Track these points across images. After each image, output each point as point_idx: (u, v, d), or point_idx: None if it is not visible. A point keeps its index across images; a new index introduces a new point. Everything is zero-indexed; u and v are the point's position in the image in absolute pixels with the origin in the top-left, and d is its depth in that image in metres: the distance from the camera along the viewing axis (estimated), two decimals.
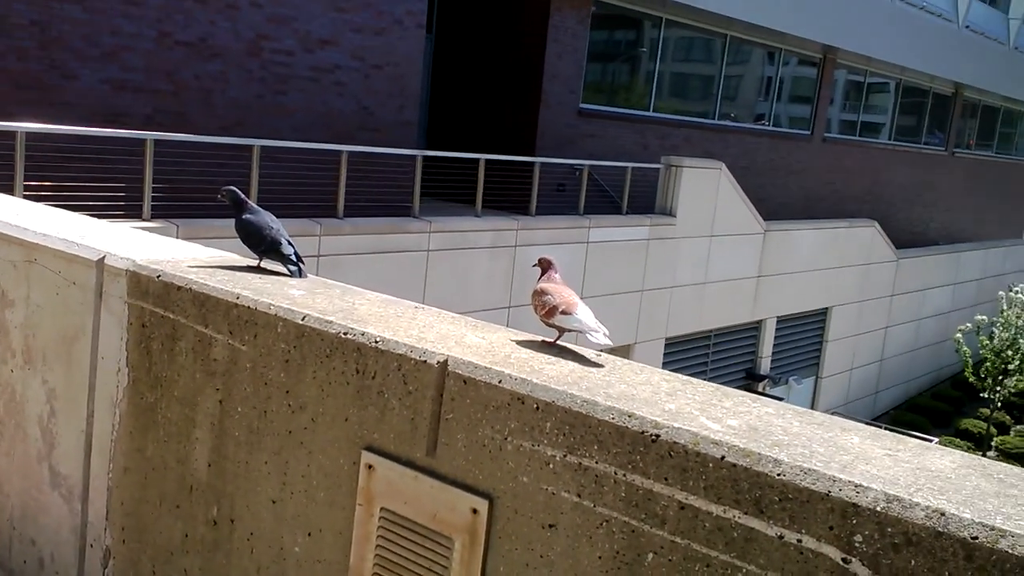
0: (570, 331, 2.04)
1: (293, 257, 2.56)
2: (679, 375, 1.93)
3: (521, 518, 1.73)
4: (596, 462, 1.64)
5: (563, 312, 2.02)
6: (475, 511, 1.79)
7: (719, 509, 1.48)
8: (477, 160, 11.70)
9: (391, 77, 11.89)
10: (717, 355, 16.49)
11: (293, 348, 2.13)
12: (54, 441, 2.67)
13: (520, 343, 2.04)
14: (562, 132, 14.94)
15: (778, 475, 1.43)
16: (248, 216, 2.62)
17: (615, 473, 1.62)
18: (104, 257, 2.54)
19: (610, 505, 1.62)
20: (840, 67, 21.84)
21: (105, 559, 2.50)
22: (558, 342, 2.06)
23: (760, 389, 17.00)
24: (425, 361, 1.91)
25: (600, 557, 1.62)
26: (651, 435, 1.58)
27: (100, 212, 7.76)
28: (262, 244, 2.57)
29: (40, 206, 3.31)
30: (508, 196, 12.36)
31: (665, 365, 14.66)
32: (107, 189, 8.29)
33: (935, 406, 22.40)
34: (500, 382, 1.79)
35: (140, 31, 9.47)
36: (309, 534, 2.06)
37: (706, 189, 14.96)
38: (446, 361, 1.89)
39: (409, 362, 1.93)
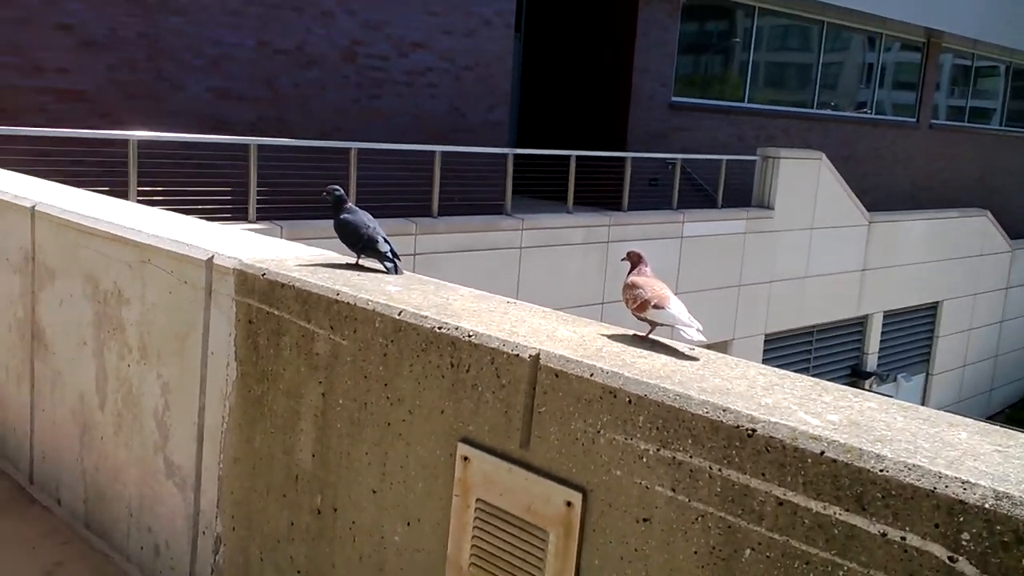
0: (663, 325, 2.02)
1: (389, 254, 2.62)
2: (776, 369, 1.89)
3: (615, 511, 1.73)
4: (690, 456, 1.63)
5: (655, 306, 2.00)
6: (569, 504, 1.80)
7: (819, 506, 1.45)
8: (568, 157, 11.69)
9: (481, 77, 12.01)
10: (820, 351, 16.01)
11: (390, 342, 2.19)
12: (168, 433, 2.82)
13: (611, 337, 2.04)
14: (653, 126, 14.77)
15: (881, 471, 1.39)
16: (346, 216, 2.70)
17: (710, 468, 1.61)
18: (213, 257, 2.66)
19: (705, 500, 1.61)
20: (946, 51, 20.87)
21: (216, 546, 2.62)
22: (650, 336, 2.05)
23: (867, 386, 16.43)
24: (517, 355, 1.93)
25: (696, 552, 1.61)
26: (747, 429, 1.56)
27: (208, 215, 8.11)
28: (359, 242, 2.65)
29: (152, 209, 3.49)
30: (599, 192, 12.31)
31: (765, 362, 14.32)
32: (214, 193, 8.65)
33: None
34: (592, 375, 1.80)
35: (241, 41, 9.84)
36: (408, 524, 2.12)
37: (805, 180, 14.54)
38: (538, 355, 1.91)
39: (502, 356, 1.96)
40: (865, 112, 19.37)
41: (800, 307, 15.02)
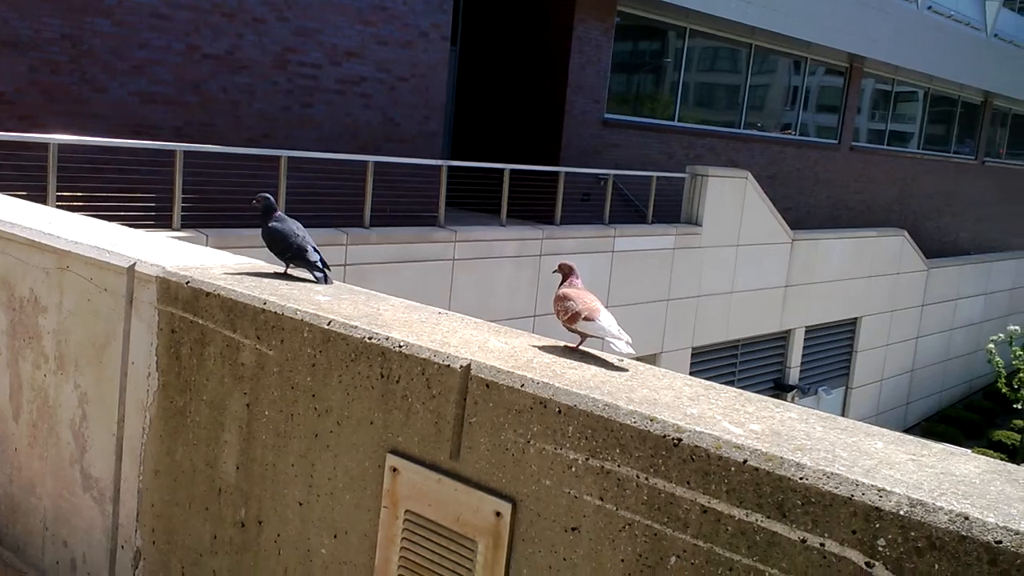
0: (592, 337, 2.05)
1: (319, 264, 2.60)
2: (702, 380, 1.93)
3: (544, 521, 1.74)
4: (619, 465, 1.65)
5: (586, 318, 2.02)
6: (498, 514, 1.80)
7: (741, 513, 1.49)
8: (502, 170, 11.74)
9: (416, 89, 11.98)
10: (745, 365, 16.37)
11: (319, 352, 2.16)
12: (86, 444, 2.72)
13: (542, 348, 2.06)
14: (586, 142, 14.95)
15: (801, 479, 1.43)
16: (275, 224, 2.66)
17: (637, 476, 1.63)
18: (135, 264, 2.59)
19: (632, 508, 1.63)
20: (867, 76, 21.68)
21: (136, 560, 2.54)
22: (580, 348, 2.07)
23: (789, 399, 16.85)
24: (448, 365, 1.93)
25: (623, 560, 1.63)
26: (673, 439, 1.59)
27: (131, 223, 7.89)
28: (288, 251, 2.61)
29: (72, 215, 3.38)
30: (533, 206, 12.39)
31: (692, 375, 14.52)
32: (137, 200, 8.42)
33: (968, 417, 22.06)
34: (522, 386, 1.81)
35: (169, 44, 9.62)
36: (335, 536, 2.09)
37: (732, 198, 14.89)
38: (469, 365, 1.91)
39: (433, 366, 1.95)
40: (790, 133, 19.96)
41: (726, 322, 15.35)
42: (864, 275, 18.80)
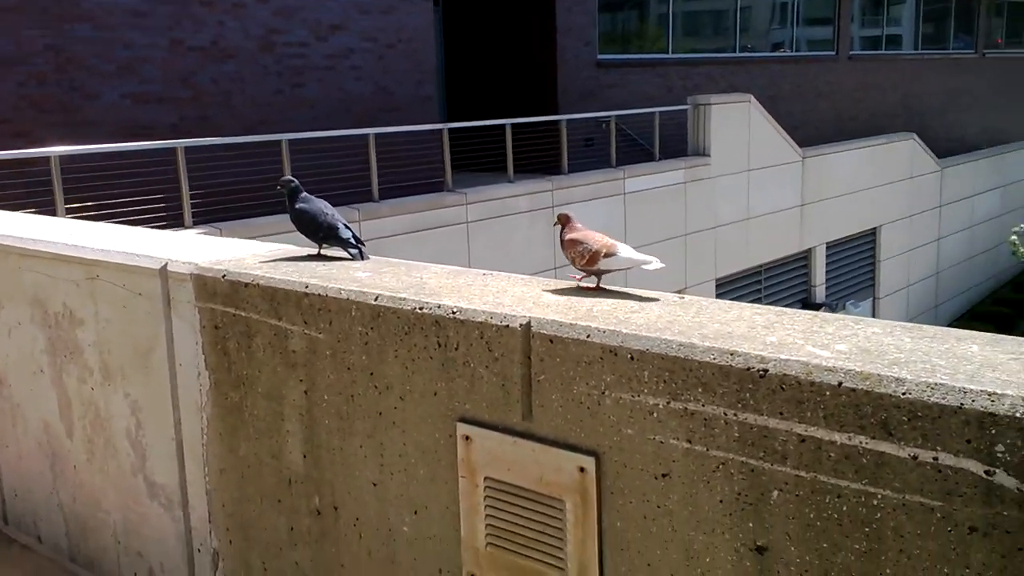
0: (620, 270, 2.00)
1: (352, 240, 2.53)
2: (772, 307, 1.86)
3: (631, 471, 1.69)
4: (703, 405, 1.60)
5: (607, 255, 1.99)
6: (582, 469, 1.76)
7: (843, 437, 1.43)
8: (503, 126, 11.58)
9: (405, 54, 11.79)
10: (770, 289, 16.28)
11: (371, 330, 2.11)
12: (145, 452, 2.70)
13: (597, 295, 1.99)
14: (582, 86, 14.72)
15: (903, 394, 1.37)
16: (302, 205, 2.60)
17: (725, 414, 1.57)
18: (166, 264, 2.53)
19: (724, 447, 1.57)
20: None
21: (215, 561, 2.52)
22: (601, 286, 2.02)
23: None
24: (507, 326, 1.87)
25: (721, 501, 1.58)
26: (758, 370, 1.53)
27: (142, 225, 7.84)
28: (320, 231, 2.55)
29: (93, 224, 3.33)
30: (537, 158, 12.24)
31: None
32: (145, 202, 8.36)
33: (998, 311, 21.94)
34: (588, 337, 1.75)
35: (152, 41, 9.49)
36: (415, 512, 2.05)
37: (737, 124, 14.67)
38: (529, 323, 1.85)
39: (491, 328, 1.90)
40: (784, 51, 19.59)
41: (746, 249, 15.23)
42: (878, 184, 18.56)
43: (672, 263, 13.81)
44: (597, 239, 2.02)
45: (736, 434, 1.56)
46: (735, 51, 18.12)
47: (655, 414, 1.66)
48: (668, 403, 1.64)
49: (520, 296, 2.03)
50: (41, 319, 2.94)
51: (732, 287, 15.35)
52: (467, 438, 1.95)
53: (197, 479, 2.55)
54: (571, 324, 1.79)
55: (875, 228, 18.96)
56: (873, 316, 19.01)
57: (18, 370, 3.10)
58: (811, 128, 19.25)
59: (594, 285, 2.04)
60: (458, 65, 15.24)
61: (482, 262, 10.78)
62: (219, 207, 8.70)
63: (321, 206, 2.58)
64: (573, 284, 2.07)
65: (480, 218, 10.98)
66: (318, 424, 2.26)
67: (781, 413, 1.50)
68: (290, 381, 2.30)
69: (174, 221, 8.41)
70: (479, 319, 1.92)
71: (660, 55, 16.50)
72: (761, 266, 15.89)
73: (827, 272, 17.53)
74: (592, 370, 1.74)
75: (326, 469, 2.24)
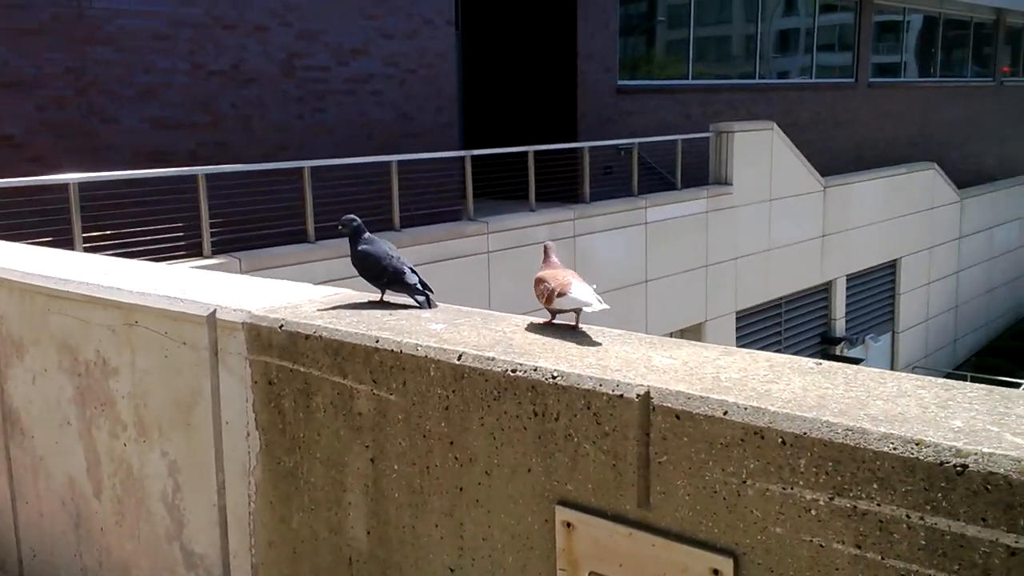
0: (570, 311, 2.01)
1: (419, 286, 2.29)
2: (932, 378, 1.61)
3: None
4: (878, 504, 1.34)
5: (559, 294, 2.00)
6: (716, 572, 1.50)
7: None
8: (525, 153, 11.38)
9: (426, 79, 11.64)
10: (790, 323, 15.99)
11: (452, 393, 1.86)
12: (183, 518, 2.44)
13: (714, 357, 1.74)
14: (602, 113, 14.55)
15: None
16: (364, 247, 2.36)
17: (907, 516, 1.31)
18: (215, 311, 2.29)
19: (905, 556, 1.31)
20: (878, 9, 21.08)
21: None
22: (554, 322, 2.05)
23: (837, 351, 16.48)
24: (621, 395, 1.62)
25: None
26: (954, 466, 1.27)
27: (161, 255, 7.63)
28: (383, 276, 2.31)
29: (131, 262, 3.09)
30: (557, 186, 12.03)
31: (738, 340, 14.24)
32: (164, 231, 8.15)
33: (1017, 346, 21.60)
34: (726, 413, 1.50)
35: (173, 65, 9.33)
36: None
37: (760, 152, 14.47)
38: (647, 393, 1.60)
39: (600, 398, 1.64)
40: (805, 78, 19.45)
41: (766, 280, 14.97)
42: (899, 214, 18.32)
43: (693, 295, 13.55)
44: (559, 278, 2.04)
45: (922, 541, 1.30)
46: (754, 78, 17.98)
47: (813, 511, 1.40)
48: (831, 499, 1.38)
49: (625, 357, 1.78)
50: (70, 366, 2.69)
51: (752, 320, 15.07)
52: (568, 524, 1.70)
53: (242, 551, 2.29)
54: (702, 397, 1.54)
55: (895, 260, 18.69)
56: (893, 351, 18.73)
57: (42, 421, 2.85)
58: (829, 157, 19.04)
59: (548, 320, 2.06)
60: (476, 90, 15.10)
61: (503, 292, 10.54)
62: (239, 235, 8.48)
63: (385, 248, 2.35)
64: (537, 320, 2.10)
65: (501, 247, 10.75)
66: (386, 497, 2.00)
67: (984, 519, 1.25)
68: (354, 447, 2.05)
69: (194, 250, 8.19)
70: (585, 386, 1.67)
71: (679, 81, 16.35)
72: (781, 298, 15.62)
73: (847, 305, 17.25)
74: (730, 454, 1.48)
75: (394, 549, 1.98)
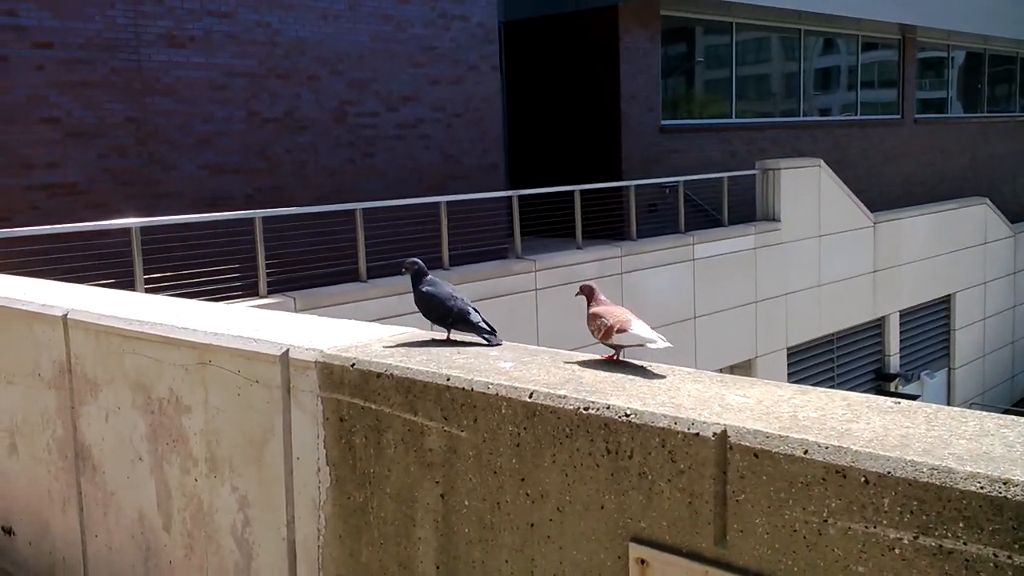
0: (631, 347, 2.05)
1: (484, 324, 2.34)
2: (1009, 417, 1.59)
3: None
4: (965, 544, 1.32)
5: (619, 331, 2.03)
6: None
7: None
8: (571, 192, 11.46)
9: (472, 123, 11.83)
10: (843, 359, 15.72)
11: (523, 430, 1.88)
12: (252, 551, 2.48)
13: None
14: (646, 152, 14.62)
15: None
16: (428, 288, 2.42)
17: (994, 555, 1.30)
18: (288, 351, 2.35)
19: None
20: (922, 45, 20.95)
21: None
22: (617, 358, 2.07)
23: (892, 388, 16.13)
24: (697, 434, 1.62)
25: None
26: None
27: (218, 296, 7.80)
28: (449, 316, 2.36)
29: (204, 303, 3.18)
30: (605, 224, 12.08)
31: (789, 376, 14.04)
32: (221, 272, 8.34)
33: None
34: (806, 452, 1.50)
35: (230, 114, 9.62)
36: None
37: (807, 189, 14.38)
38: (724, 431, 1.60)
39: (675, 436, 1.65)
40: (849, 115, 19.34)
41: (818, 316, 14.78)
42: (951, 249, 18.01)
43: (743, 331, 13.42)
44: (616, 314, 2.08)
45: None
46: (799, 115, 17.92)
47: (897, 550, 1.39)
48: (916, 538, 1.37)
49: (698, 396, 1.79)
50: (143, 404, 2.77)
51: (804, 357, 14.86)
52: (643, 561, 1.70)
53: None
54: (780, 436, 1.54)
55: (949, 295, 18.33)
56: (949, 387, 18.28)
57: (114, 456, 2.93)
58: (877, 192, 18.85)
59: (610, 356, 2.08)
60: (520, 132, 15.28)
61: (551, 329, 10.55)
62: (293, 275, 8.65)
63: (449, 290, 2.40)
64: (598, 357, 2.10)
65: (549, 285, 10.79)
66: (456, 533, 2.02)
67: None
68: (425, 483, 2.07)
69: (250, 291, 8.36)
70: (660, 424, 1.68)
71: (723, 120, 16.38)
72: (834, 334, 15.38)
73: (901, 341, 16.92)
74: (811, 493, 1.48)
75: None
